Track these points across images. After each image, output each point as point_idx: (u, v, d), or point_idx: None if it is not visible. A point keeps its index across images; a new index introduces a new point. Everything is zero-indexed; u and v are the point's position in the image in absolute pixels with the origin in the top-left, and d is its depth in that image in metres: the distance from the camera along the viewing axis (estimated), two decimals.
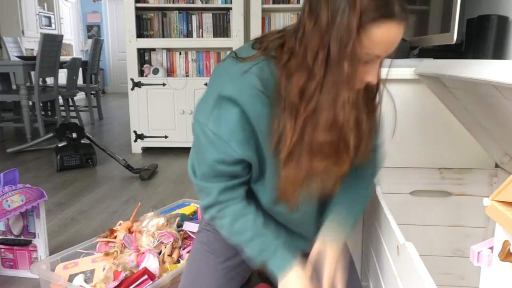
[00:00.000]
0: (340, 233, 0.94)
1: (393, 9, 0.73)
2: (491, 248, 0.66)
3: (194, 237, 1.54)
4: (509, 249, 0.60)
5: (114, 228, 1.59)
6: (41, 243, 1.62)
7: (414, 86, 1.28)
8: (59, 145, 3.09)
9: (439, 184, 1.33)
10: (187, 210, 1.81)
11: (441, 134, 1.31)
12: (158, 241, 1.48)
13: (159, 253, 1.47)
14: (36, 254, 1.62)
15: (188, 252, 1.51)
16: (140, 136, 3.57)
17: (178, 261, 1.48)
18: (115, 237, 1.54)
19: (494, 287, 0.66)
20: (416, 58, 1.53)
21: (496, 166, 1.30)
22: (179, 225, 1.60)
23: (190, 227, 1.57)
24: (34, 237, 1.62)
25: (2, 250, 1.64)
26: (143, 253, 1.44)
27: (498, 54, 1.24)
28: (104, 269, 1.38)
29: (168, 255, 1.47)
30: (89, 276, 1.38)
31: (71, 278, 1.37)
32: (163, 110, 3.50)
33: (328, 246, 0.92)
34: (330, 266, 0.89)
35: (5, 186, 1.49)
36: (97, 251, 1.53)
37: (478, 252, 0.67)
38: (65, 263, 1.44)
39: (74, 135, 3.12)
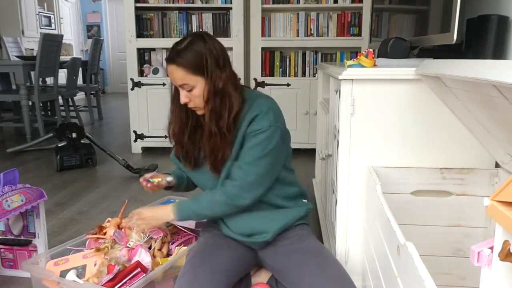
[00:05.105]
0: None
1: (169, 56, 1.28)
2: (491, 248, 0.66)
3: (184, 230, 1.62)
4: (509, 249, 0.59)
5: (103, 225, 1.60)
6: (41, 243, 1.62)
7: (415, 86, 1.28)
8: (59, 145, 3.09)
9: (440, 184, 1.33)
10: None
11: (442, 134, 1.31)
12: (148, 236, 1.49)
13: (149, 248, 1.48)
14: (36, 254, 1.62)
15: (177, 246, 1.54)
16: (140, 136, 3.57)
17: (168, 255, 1.50)
18: (105, 234, 1.54)
19: (494, 287, 0.66)
20: (416, 58, 1.53)
21: (497, 166, 1.30)
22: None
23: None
24: (34, 237, 1.62)
25: (2, 250, 1.64)
26: (133, 248, 1.44)
27: (498, 54, 1.24)
28: (95, 264, 1.39)
29: (158, 250, 1.49)
30: (81, 272, 1.38)
31: (62, 274, 1.37)
32: (163, 110, 3.46)
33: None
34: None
35: (5, 186, 1.49)
36: (86, 247, 1.54)
37: (478, 252, 0.67)
38: (55, 260, 1.44)
39: (74, 135, 3.11)
